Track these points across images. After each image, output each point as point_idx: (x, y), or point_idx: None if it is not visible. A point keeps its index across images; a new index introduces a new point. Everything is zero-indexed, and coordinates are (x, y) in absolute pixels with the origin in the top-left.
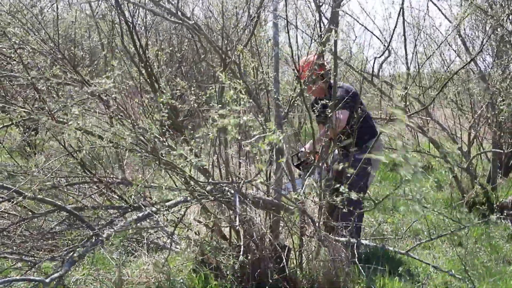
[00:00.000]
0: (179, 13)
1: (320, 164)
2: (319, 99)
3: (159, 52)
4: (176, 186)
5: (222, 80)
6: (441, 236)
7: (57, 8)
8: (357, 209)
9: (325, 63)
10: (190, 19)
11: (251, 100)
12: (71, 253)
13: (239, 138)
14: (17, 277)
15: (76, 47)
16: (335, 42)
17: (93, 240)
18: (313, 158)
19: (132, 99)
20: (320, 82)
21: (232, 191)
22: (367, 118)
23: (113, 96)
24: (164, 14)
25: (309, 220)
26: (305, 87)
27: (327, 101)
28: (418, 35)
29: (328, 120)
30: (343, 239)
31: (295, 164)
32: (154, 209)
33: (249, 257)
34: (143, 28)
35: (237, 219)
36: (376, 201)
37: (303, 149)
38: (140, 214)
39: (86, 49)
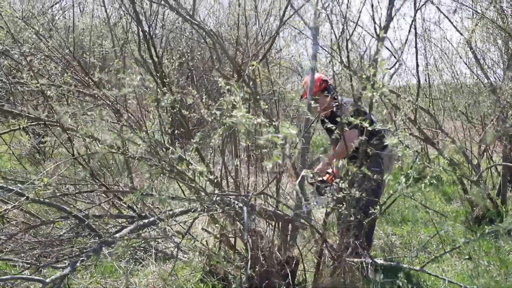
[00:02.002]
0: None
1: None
2: (326, 118)
3: (172, 60)
4: (185, 196)
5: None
6: (454, 248)
7: (74, 14)
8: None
9: (328, 80)
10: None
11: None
12: (75, 257)
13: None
14: (16, 275)
15: (88, 54)
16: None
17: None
18: (326, 179)
19: (144, 109)
20: (324, 96)
21: (241, 203)
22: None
23: (128, 101)
24: (182, 13)
25: (318, 233)
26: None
27: (333, 122)
28: (434, 52)
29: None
30: (357, 260)
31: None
32: (162, 218)
33: (256, 269)
34: (159, 38)
35: (245, 232)
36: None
37: (316, 170)
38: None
39: (98, 56)
